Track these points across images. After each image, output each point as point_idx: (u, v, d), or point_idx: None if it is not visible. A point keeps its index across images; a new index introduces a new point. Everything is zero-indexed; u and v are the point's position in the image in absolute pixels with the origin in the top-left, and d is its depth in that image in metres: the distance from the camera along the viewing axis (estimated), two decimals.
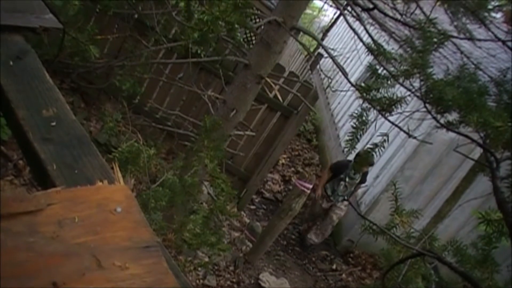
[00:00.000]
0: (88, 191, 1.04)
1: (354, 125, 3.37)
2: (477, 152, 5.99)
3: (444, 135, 3.63)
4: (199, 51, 6.30)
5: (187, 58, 6.81)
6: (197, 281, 6.41)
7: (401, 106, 3.41)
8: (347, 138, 3.47)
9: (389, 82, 3.35)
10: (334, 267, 8.56)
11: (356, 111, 3.48)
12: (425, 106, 3.18)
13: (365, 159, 7.56)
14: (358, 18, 5.40)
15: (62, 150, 1.16)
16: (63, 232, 0.93)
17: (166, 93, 8.21)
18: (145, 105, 8.12)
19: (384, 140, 3.30)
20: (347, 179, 8.20)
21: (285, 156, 10.77)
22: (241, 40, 5.94)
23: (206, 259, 6.50)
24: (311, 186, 6.72)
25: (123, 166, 2.99)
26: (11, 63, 1.46)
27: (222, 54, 5.96)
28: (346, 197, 8.38)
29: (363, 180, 8.36)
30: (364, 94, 3.62)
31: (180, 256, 4.77)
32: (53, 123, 1.24)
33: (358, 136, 3.35)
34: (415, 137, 4.22)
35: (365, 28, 5.00)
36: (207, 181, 5.55)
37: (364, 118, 3.34)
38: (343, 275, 8.49)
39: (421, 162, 8.29)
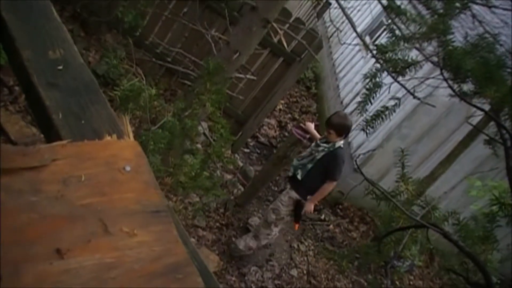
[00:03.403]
0: (95, 146, 0.96)
1: (368, 87, 3.26)
2: (477, 118, 5.95)
3: (444, 97, 3.55)
4: None
5: None
6: (186, 221, 6.42)
7: (415, 69, 3.29)
8: (360, 99, 3.37)
9: (405, 44, 3.22)
10: (322, 217, 8.60)
11: (369, 71, 3.36)
12: (441, 73, 3.07)
13: (328, 118, 6.04)
14: None
15: (69, 97, 1.08)
16: (68, 191, 0.86)
17: (168, 29, 8.03)
18: (146, 39, 7.96)
19: (396, 104, 3.22)
20: (313, 145, 6.36)
21: (282, 102, 10.67)
22: None
23: (197, 199, 6.51)
24: (307, 136, 6.66)
25: (124, 104, 2.92)
26: None
27: None
28: (294, 171, 6.28)
29: (329, 170, 6.02)
30: (377, 54, 3.50)
31: (173, 196, 4.76)
32: (60, 67, 1.16)
33: (371, 99, 3.25)
34: (419, 99, 4.13)
35: None
36: (204, 122, 5.49)
37: (378, 79, 3.24)
38: (331, 226, 8.55)
39: (419, 121, 8.23)
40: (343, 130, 5.83)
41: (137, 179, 0.95)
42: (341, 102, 10.30)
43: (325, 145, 5.95)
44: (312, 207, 6.26)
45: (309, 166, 6.02)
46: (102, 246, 0.82)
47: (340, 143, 5.91)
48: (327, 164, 5.94)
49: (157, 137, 3.14)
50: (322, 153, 5.94)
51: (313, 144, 6.34)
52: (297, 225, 6.66)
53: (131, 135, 1.04)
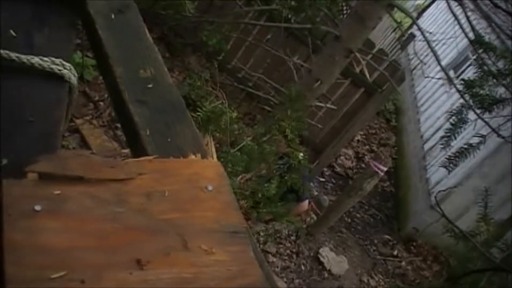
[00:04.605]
0: (179, 163, 0.99)
1: (452, 122, 3.18)
2: None
3: None
4: (290, 16, 6.22)
5: (276, 22, 6.74)
6: (257, 246, 6.42)
7: (502, 107, 3.19)
8: (442, 134, 3.29)
9: (493, 80, 3.12)
10: (395, 253, 8.40)
11: (455, 108, 3.28)
12: None
13: None
14: (460, 3, 5.15)
15: (156, 115, 1.12)
16: (151, 205, 0.89)
17: (251, 54, 8.15)
18: (229, 63, 8.10)
19: (480, 142, 3.12)
20: None
21: (361, 133, 10.58)
22: (336, 10, 5.81)
23: (269, 225, 6.50)
24: (385, 169, 6.55)
25: (205, 125, 2.98)
26: (112, 16, 1.43)
27: (314, 22, 5.83)
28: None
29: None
30: (463, 89, 3.40)
31: (246, 219, 4.77)
32: (150, 85, 1.20)
33: (456, 134, 3.17)
34: (503, 137, 3.97)
35: (466, 15, 4.75)
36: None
37: (463, 115, 3.15)
38: (403, 263, 8.33)
39: (501, 160, 7.93)
40: None
41: (217, 199, 0.96)
42: (421, 136, 10.10)
43: None
44: None
45: None
46: (180, 261, 0.84)
47: None
48: None
49: (235, 159, 3.18)
50: None
51: None
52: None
53: (215, 155, 1.06)
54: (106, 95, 6.82)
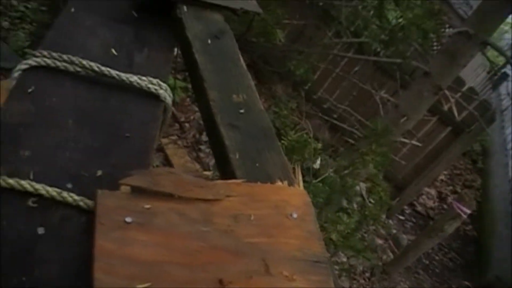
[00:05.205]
0: (267, 189, 1.01)
1: None
2: None
3: None
4: (379, 49, 6.18)
5: (365, 54, 6.72)
6: (338, 278, 6.34)
7: None
8: None
9: None
10: None
11: None
12: None
13: None
14: None
15: (247, 140, 1.14)
16: (237, 227, 0.90)
17: (338, 86, 8.13)
18: (315, 93, 8.12)
19: None
20: None
21: (445, 172, 10.30)
22: (427, 46, 5.73)
23: (345, 259, 6.41)
24: (469, 211, 6.34)
25: (288, 154, 2.99)
26: (209, 41, 1.47)
27: (404, 56, 5.77)
28: None
29: None
30: None
31: None
32: (242, 110, 1.23)
33: None
34: None
35: None
36: (363, 182, 5.45)
37: None
38: None
39: None
40: None
41: (302, 227, 0.97)
42: (509, 180, 9.72)
43: None
44: None
45: None
46: (261, 285, 0.84)
47: None
48: None
49: (317, 190, 3.17)
50: None
51: None
52: None
53: (301, 184, 1.07)
54: (192, 117, 6.99)
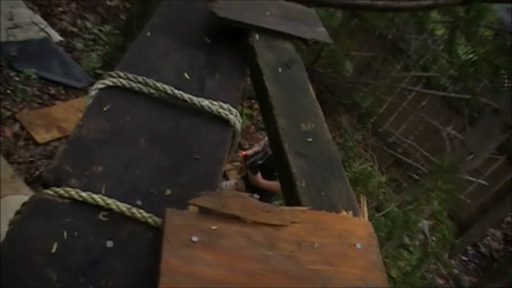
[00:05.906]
0: (332, 218, 1.01)
1: None
2: None
3: None
4: (447, 84, 6.09)
5: (433, 89, 6.62)
6: None
7: None
8: None
9: None
10: None
11: None
12: None
13: None
14: None
15: (314, 169, 1.15)
16: (300, 254, 0.91)
17: (404, 120, 8.04)
18: (380, 126, 8.04)
19: None
20: None
21: None
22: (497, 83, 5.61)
23: None
24: None
25: (352, 186, 2.97)
26: (279, 70, 1.50)
27: (473, 93, 5.66)
28: None
29: None
30: None
31: None
32: (309, 139, 1.24)
33: None
34: None
35: None
36: (425, 219, 5.34)
37: None
38: None
39: None
40: None
41: (365, 258, 0.96)
42: None
43: None
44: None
45: None
46: None
47: None
48: None
49: (379, 224, 3.14)
50: None
51: None
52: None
53: (366, 215, 1.07)
54: (255, 144, 7.03)
